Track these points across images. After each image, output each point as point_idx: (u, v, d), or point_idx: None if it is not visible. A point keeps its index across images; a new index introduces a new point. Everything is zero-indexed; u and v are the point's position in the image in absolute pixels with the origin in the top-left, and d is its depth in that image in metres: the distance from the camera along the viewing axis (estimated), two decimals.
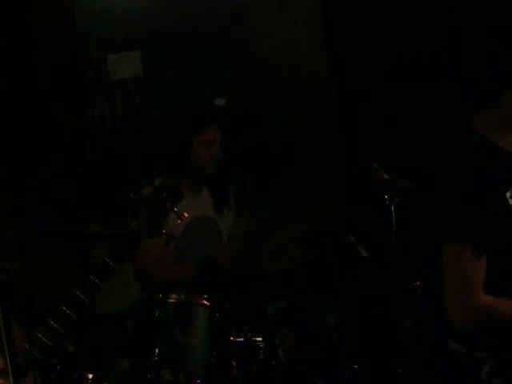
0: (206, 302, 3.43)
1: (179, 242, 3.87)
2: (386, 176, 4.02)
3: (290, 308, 3.69)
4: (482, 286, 2.45)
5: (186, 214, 2.93)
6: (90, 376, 3.22)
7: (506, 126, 2.65)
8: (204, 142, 3.94)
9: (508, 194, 2.51)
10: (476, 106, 2.64)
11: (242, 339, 3.44)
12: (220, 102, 4.04)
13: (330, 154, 5.14)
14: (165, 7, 4.90)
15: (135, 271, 3.90)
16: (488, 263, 2.46)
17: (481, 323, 2.47)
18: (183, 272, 3.85)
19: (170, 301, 3.44)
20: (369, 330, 3.95)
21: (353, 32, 5.11)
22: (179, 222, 2.92)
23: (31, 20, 4.65)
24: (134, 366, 3.43)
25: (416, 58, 4.84)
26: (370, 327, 3.97)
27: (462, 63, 2.69)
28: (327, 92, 5.20)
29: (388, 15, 5.05)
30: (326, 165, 5.10)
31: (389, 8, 5.05)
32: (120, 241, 2.76)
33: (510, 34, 2.60)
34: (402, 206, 3.93)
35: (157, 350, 3.33)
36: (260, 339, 3.48)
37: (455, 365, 2.54)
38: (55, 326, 2.55)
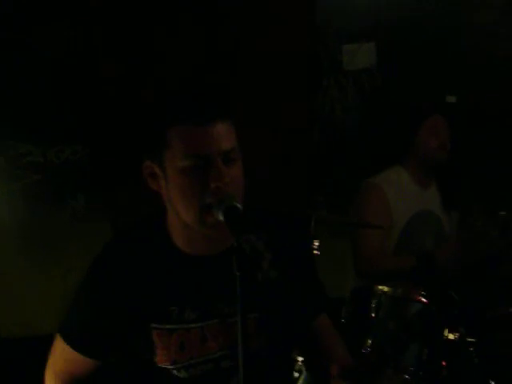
0: (423, 299, 3.39)
1: (402, 235, 3.93)
2: None
3: None
4: None
5: None
6: None
7: None
8: (430, 127, 3.95)
9: None
10: None
11: (455, 339, 3.40)
12: (451, 99, 4.02)
13: None
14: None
15: (356, 260, 4.00)
16: None
17: None
18: (401, 264, 3.84)
19: (388, 292, 3.43)
20: None
21: None
22: None
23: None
24: None
25: None
26: None
27: None
28: None
29: None
30: None
31: None
32: None
33: None
34: None
35: (369, 341, 3.37)
36: (473, 340, 3.42)
37: None
38: None
